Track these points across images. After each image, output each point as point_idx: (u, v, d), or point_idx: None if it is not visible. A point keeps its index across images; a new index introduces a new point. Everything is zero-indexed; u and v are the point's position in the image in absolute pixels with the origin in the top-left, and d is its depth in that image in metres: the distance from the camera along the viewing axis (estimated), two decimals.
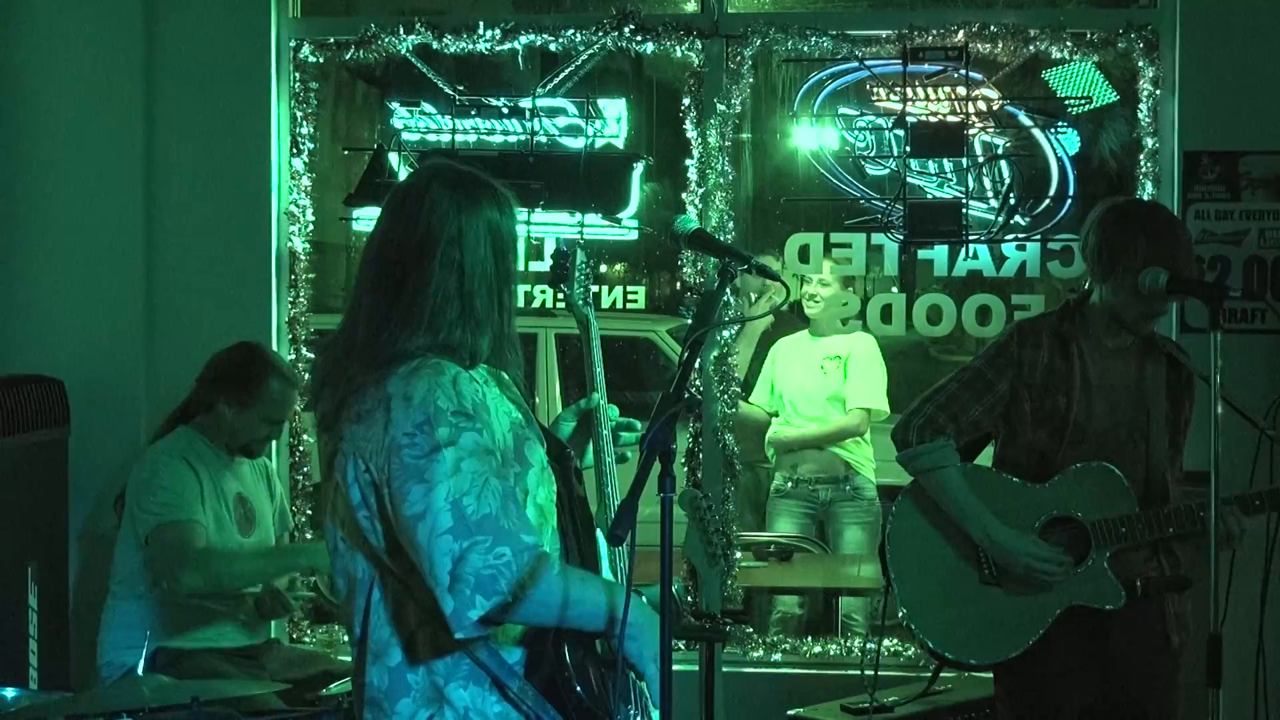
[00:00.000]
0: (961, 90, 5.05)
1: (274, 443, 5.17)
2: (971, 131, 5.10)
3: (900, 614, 3.80)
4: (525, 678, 2.55)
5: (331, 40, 5.29)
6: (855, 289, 5.67)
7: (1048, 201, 5.20)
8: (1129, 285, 3.60)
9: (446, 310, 2.54)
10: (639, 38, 5.14)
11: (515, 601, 2.42)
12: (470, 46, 5.21)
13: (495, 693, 2.55)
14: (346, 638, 2.78)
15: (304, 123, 5.26)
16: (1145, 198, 4.91)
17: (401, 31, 5.20)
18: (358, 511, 2.55)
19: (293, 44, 5.28)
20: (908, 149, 5.07)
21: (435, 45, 5.22)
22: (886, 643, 4.90)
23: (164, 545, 4.14)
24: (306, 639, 5.23)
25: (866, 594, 5.63)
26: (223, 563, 4.20)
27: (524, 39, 5.19)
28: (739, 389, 5.22)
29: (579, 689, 2.54)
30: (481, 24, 5.17)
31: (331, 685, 3.99)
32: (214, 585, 4.17)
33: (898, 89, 5.07)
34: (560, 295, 2.99)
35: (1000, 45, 5.02)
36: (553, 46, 5.22)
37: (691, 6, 5.49)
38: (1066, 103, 5.16)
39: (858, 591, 5.70)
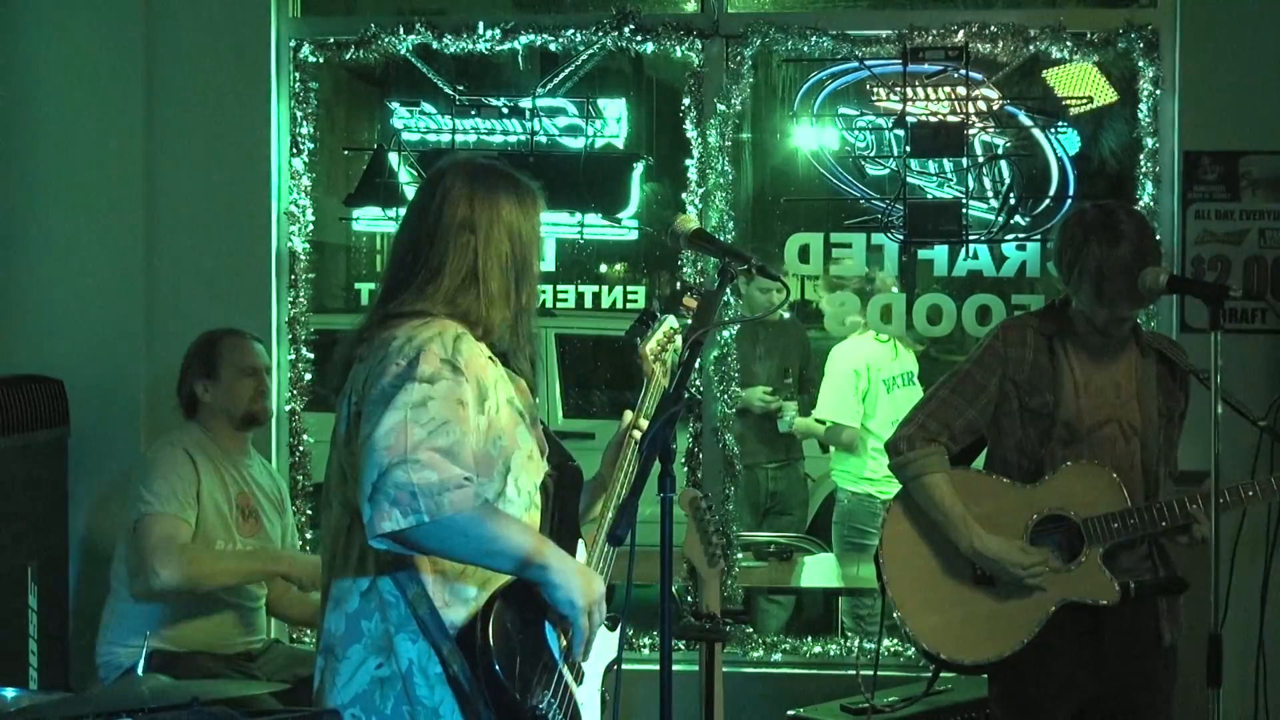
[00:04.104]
0: (961, 90, 5.04)
1: (274, 444, 5.18)
2: (971, 131, 5.10)
3: (895, 616, 3.80)
4: (456, 641, 2.61)
5: (331, 40, 5.29)
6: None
7: (1048, 201, 5.20)
8: (1088, 291, 3.60)
9: (462, 286, 2.70)
10: (639, 38, 5.15)
11: (431, 523, 2.47)
12: (470, 46, 5.21)
13: (438, 652, 2.63)
14: None
15: (304, 123, 5.26)
16: (1145, 198, 4.92)
17: (401, 31, 5.20)
18: (345, 448, 2.67)
19: (293, 44, 5.28)
20: (908, 149, 5.07)
21: (435, 45, 5.22)
22: (886, 643, 4.90)
23: (146, 536, 4.10)
24: (306, 639, 5.23)
25: (866, 594, 5.63)
26: (201, 561, 4.14)
27: (524, 39, 5.19)
28: (739, 389, 5.22)
29: (497, 667, 2.57)
30: (481, 24, 5.18)
31: None
32: (190, 583, 4.11)
33: (898, 89, 5.06)
34: (635, 345, 3.13)
35: (1000, 45, 5.02)
36: (553, 46, 5.22)
37: (691, 6, 5.48)
38: (1066, 102, 5.16)
39: (858, 592, 5.70)
